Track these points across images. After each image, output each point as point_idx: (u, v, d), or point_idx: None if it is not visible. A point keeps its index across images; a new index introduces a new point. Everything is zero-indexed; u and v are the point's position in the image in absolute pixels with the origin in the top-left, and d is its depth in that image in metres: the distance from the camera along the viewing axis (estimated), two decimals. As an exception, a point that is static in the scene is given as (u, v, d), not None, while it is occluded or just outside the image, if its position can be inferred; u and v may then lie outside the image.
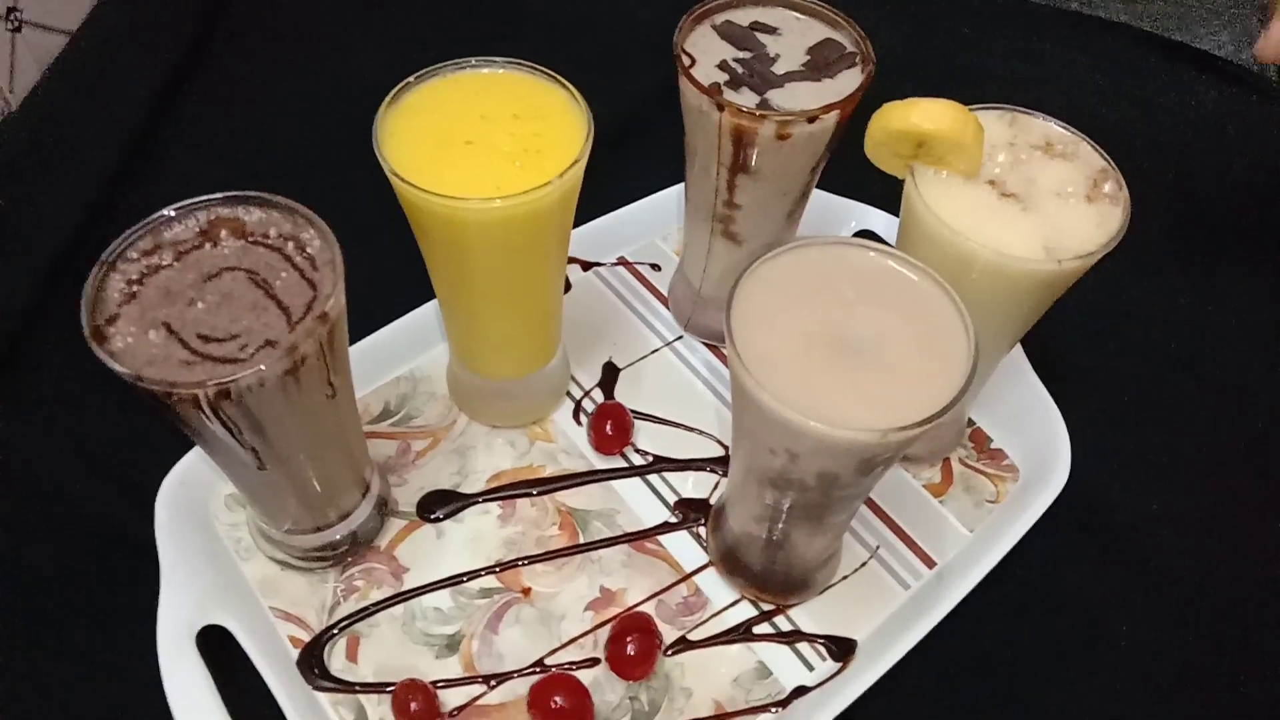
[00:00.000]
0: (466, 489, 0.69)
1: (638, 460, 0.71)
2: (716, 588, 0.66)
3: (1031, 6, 1.09)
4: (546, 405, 0.72)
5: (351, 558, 0.65)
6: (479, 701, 0.61)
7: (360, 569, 0.65)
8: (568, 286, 0.80)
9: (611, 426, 0.70)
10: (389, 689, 0.60)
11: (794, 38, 0.64)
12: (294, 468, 0.56)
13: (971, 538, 0.69)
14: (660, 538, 0.68)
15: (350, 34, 0.98)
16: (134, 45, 0.90)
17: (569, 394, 0.74)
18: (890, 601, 0.66)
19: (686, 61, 0.61)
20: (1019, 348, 0.74)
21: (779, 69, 0.62)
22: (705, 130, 0.62)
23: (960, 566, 0.67)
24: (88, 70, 0.88)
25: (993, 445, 0.73)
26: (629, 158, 0.89)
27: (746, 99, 0.60)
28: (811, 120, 0.58)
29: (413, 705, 0.58)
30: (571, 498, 0.69)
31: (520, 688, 0.61)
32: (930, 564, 0.68)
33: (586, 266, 0.81)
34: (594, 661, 0.62)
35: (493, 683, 0.61)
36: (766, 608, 0.65)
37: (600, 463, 0.71)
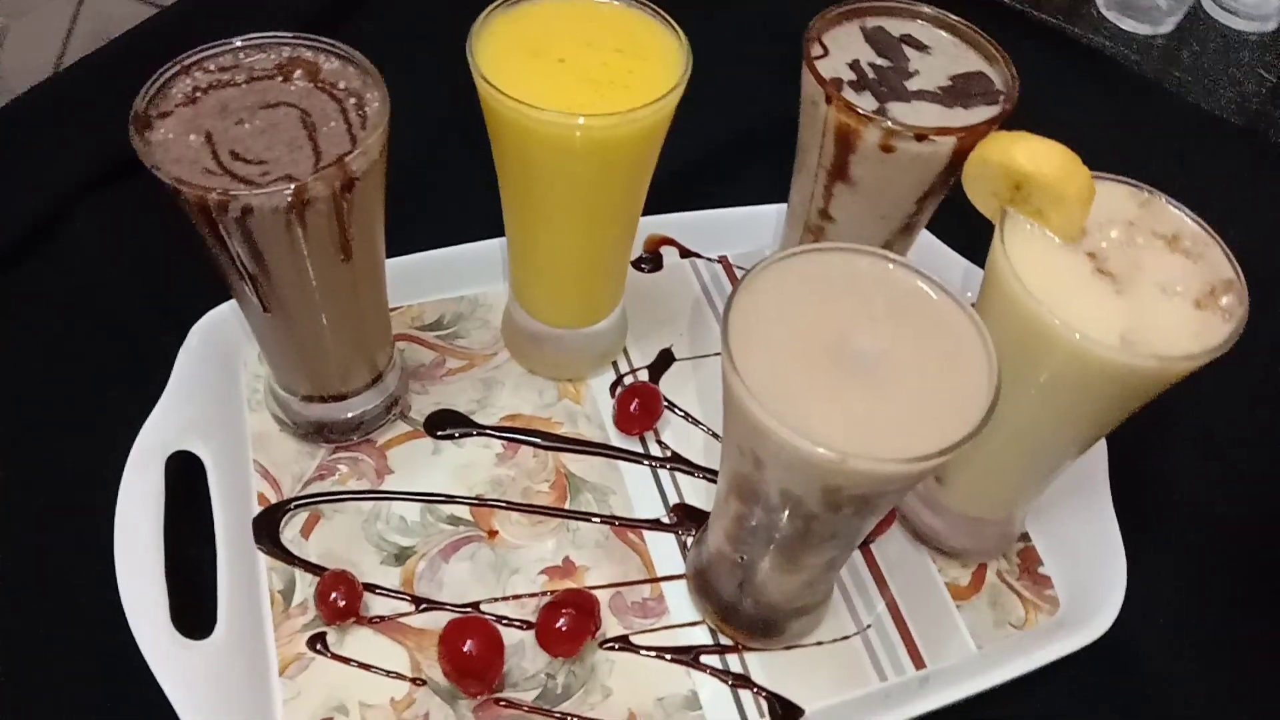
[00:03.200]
0: (480, 419, 0.67)
1: (655, 450, 0.67)
2: (681, 603, 0.61)
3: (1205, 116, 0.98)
4: (585, 366, 0.70)
5: (346, 442, 0.65)
6: (399, 619, 0.59)
7: (349, 455, 0.65)
8: (659, 264, 0.77)
9: (637, 406, 0.66)
10: (323, 573, 0.59)
11: (942, 60, 0.59)
12: (296, 319, 0.56)
13: (976, 655, 0.61)
14: (646, 533, 0.64)
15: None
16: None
17: (614, 365, 0.71)
18: (858, 686, 0.59)
19: (817, 51, 0.58)
20: (1104, 474, 0.65)
21: (912, 85, 0.57)
22: (813, 124, 0.58)
23: (951, 678, 0.59)
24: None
25: (1041, 570, 0.65)
26: (762, 167, 0.86)
27: (864, 102, 0.56)
28: (920, 139, 0.53)
29: (334, 595, 0.57)
30: (574, 462, 0.66)
31: (444, 620, 0.58)
32: (920, 664, 0.60)
33: (685, 254, 0.78)
34: (527, 625, 0.59)
35: (421, 606, 0.59)
36: (725, 642, 0.60)
37: (619, 441, 0.68)
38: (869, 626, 0.61)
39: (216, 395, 0.65)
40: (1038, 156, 0.46)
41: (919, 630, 0.62)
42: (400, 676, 0.56)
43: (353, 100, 0.51)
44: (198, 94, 0.50)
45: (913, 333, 0.45)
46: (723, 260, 0.79)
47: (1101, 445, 0.66)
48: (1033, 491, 0.60)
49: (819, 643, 0.60)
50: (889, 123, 0.53)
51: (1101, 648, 0.59)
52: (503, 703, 0.56)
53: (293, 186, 0.47)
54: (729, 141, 0.86)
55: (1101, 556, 0.63)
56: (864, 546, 0.64)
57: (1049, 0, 1.10)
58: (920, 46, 0.59)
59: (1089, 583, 0.63)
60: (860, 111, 0.54)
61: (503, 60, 0.54)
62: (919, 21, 0.61)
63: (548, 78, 0.54)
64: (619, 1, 0.57)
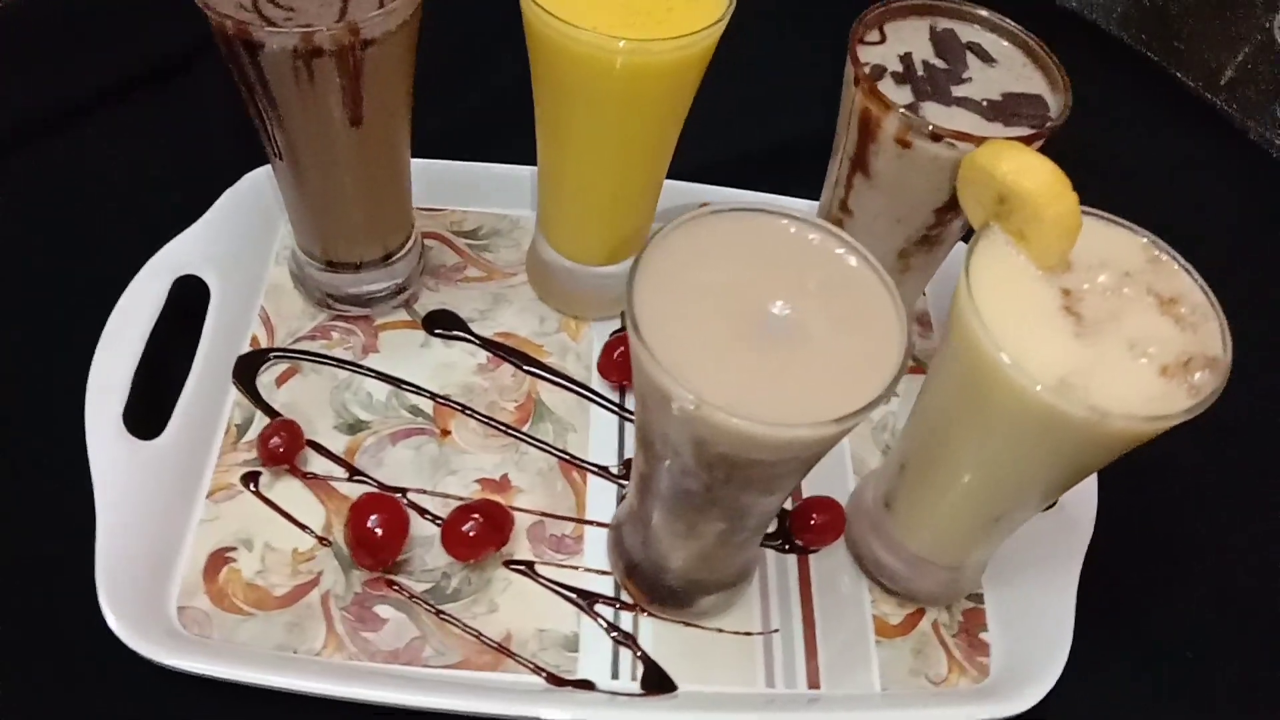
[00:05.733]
0: (477, 329, 0.69)
1: (630, 405, 0.67)
2: (597, 552, 0.61)
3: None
4: (592, 307, 0.70)
5: (347, 312, 0.68)
6: (329, 481, 0.61)
7: (345, 325, 0.68)
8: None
9: (621, 355, 0.66)
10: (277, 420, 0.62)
11: (1003, 76, 0.56)
12: (304, 175, 0.59)
13: (878, 695, 0.58)
14: (590, 476, 0.63)
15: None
16: None
17: (623, 315, 0.71)
18: (741, 683, 0.57)
19: (873, 37, 0.56)
20: (1079, 557, 0.60)
21: (959, 91, 0.54)
22: (845, 107, 0.56)
23: (840, 707, 0.57)
24: None
25: (983, 635, 0.60)
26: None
27: (899, 96, 0.53)
28: (936, 139, 0.51)
29: (274, 440, 0.60)
30: (548, 393, 0.66)
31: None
32: (814, 684, 0.58)
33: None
34: (440, 521, 0.60)
35: (353, 476, 0.61)
36: (626, 598, 0.59)
37: (599, 386, 0.68)
38: (776, 631, 0.59)
39: (246, 239, 0.69)
40: (1023, 169, 0.43)
41: (826, 652, 0.59)
42: (310, 532, 0.59)
43: (396, -23, 0.53)
44: (264, -57, 0.54)
45: (829, 306, 0.43)
46: (771, 248, 0.77)
47: (1087, 527, 0.61)
48: (980, 541, 0.56)
49: (720, 630, 0.59)
50: (906, 114, 0.51)
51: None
52: (395, 586, 0.58)
53: (300, 32, 0.49)
54: (811, 132, 0.84)
55: (1046, 638, 0.58)
56: (802, 555, 0.62)
57: (1237, 93, 1.02)
58: (986, 58, 0.57)
59: (1023, 661, 0.58)
60: (882, 97, 0.52)
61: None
62: (994, 34, 0.58)
63: (589, 2, 0.54)
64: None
